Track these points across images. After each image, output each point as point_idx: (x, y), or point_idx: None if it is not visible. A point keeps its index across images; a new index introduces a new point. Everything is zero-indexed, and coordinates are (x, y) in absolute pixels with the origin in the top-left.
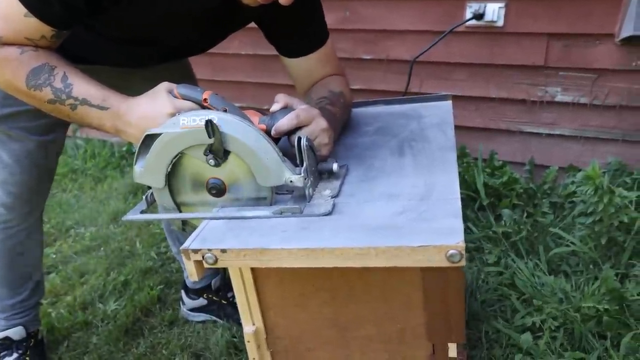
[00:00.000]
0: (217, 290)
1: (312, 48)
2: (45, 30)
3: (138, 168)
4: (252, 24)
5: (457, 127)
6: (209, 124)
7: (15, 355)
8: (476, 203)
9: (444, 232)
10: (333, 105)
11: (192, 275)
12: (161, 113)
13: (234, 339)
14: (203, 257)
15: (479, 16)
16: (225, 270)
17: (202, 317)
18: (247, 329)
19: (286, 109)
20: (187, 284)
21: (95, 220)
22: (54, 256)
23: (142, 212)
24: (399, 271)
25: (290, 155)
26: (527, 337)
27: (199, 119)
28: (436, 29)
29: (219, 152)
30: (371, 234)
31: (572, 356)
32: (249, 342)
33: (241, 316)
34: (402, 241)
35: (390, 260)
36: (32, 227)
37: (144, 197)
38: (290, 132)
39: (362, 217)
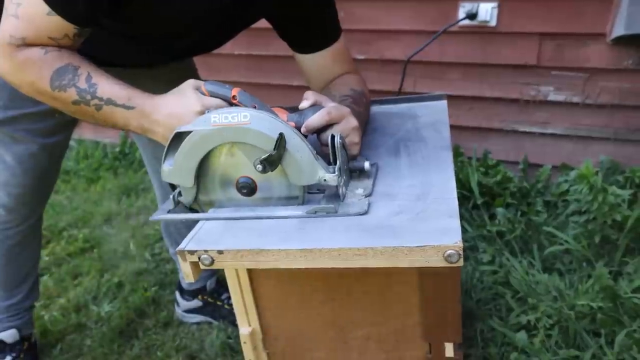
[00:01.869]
0: (212, 292)
1: (326, 43)
2: (68, 28)
3: (166, 167)
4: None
5: (451, 127)
6: (281, 137)
7: (8, 358)
8: (470, 202)
9: (442, 232)
10: (357, 104)
11: (188, 276)
12: (189, 111)
13: (230, 340)
14: (199, 258)
15: (472, 16)
16: (219, 270)
17: (197, 318)
18: (243, 330)
19: (315, 106)
20: (183, 285)
21: (88, 221)
22: (47, 258)
23: (169, 211)
24: (396, 271)
25: (319, 153)
26: (522, 335)
27: (230, 116)
28: (430, 29)
29: (274, 164)
30: (369, 235)
31: (566, 354)
32: (245, 343)
33: (237, 317)
34: (400, 242)
35: (388, 260)
36: (31, 229)
37: (171, 196)
38: (320, 130)
39: (359, 217)
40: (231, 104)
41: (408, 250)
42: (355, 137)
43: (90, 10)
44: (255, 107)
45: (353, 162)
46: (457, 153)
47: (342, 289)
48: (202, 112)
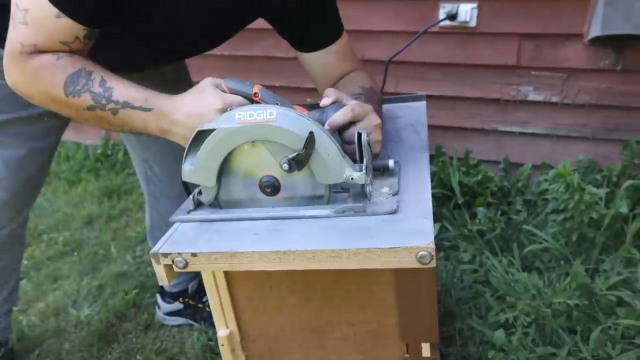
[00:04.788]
0: (194, 294)
1: (329, 41)
2: (78, 30)
3: (187, 166)
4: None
5: (433, 127)
6: (311, 136)
7: None
8: (452, 201)
9: (415, 233)
10: (370, 101)
11: (162, 279)
12: (211, 109)
13: (210, 343)
14: (173, 261)
15: (452, 17)
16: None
17: (178, 321)
18: (221, 332)
19: (336, 103)
20: (165, 287)
21: (69, 224)
22: (26, 262)
23: (189, 212)
24: (372, 272)
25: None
26: (500, 333)
27: (256, 113)
28: (411, 29)
29: (301, 163)
30: (342, 236)
31: (543, 351)
32: (222, 345)
33: (214, 319)
34: (373, 243)
35: (362, 262)
36: (14, 232)
37: (190, 196)
38: (343, 128)
39: (333, 219)
40: (252, 101)
41: (381, 251)
42: (377, 135)
43: (97, 9)
44: (277, 105)
45: (377, 160)
46: (438, 153)
47: (318, 290)
48: (223, 110)
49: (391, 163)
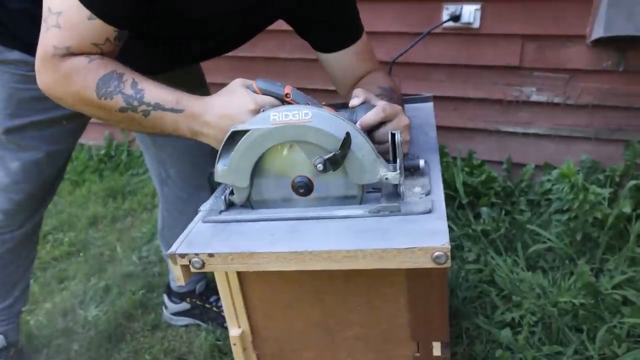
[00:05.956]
0: (201, 294)
1: (349, 41)
2: (109, 31)
3: (221, 166)
4: None
5: (436, 127)
6: (348, 136)
7: None
8: (455, 202)
9: (430, 234)
10: (391, 101)
11: (178, 280)
12: (243, 110)
13: (218, 342)
14: (190, 261)
15: (455, 18)
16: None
17: (185, 321)
18: (233, 331)
19: (365, 104)
20: (172, 287)
21: (74, 225)
22: None
23: (221, 212)
24: (384, 272)
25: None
26: (506, 332)
27: (291, 114)
28: (415, 30)
29: (337, 164)
30: (358, 237)
31: (550, 350)
32: (235, 345)
33: (227, 319)
34: (389, 243)
35: (377, 262)
36: (28, 234)
37: (222, 197)
38: (373, 127)
39: (348, 220)
40: (283, 102)
41: (397, 252)
42: (407, 135)
43: (129, 10)
44: (309, 105)
45: (408, 160)
46: (442, 153)
47: (331, 290)
48: (256, 111)
49: (422, 163)
